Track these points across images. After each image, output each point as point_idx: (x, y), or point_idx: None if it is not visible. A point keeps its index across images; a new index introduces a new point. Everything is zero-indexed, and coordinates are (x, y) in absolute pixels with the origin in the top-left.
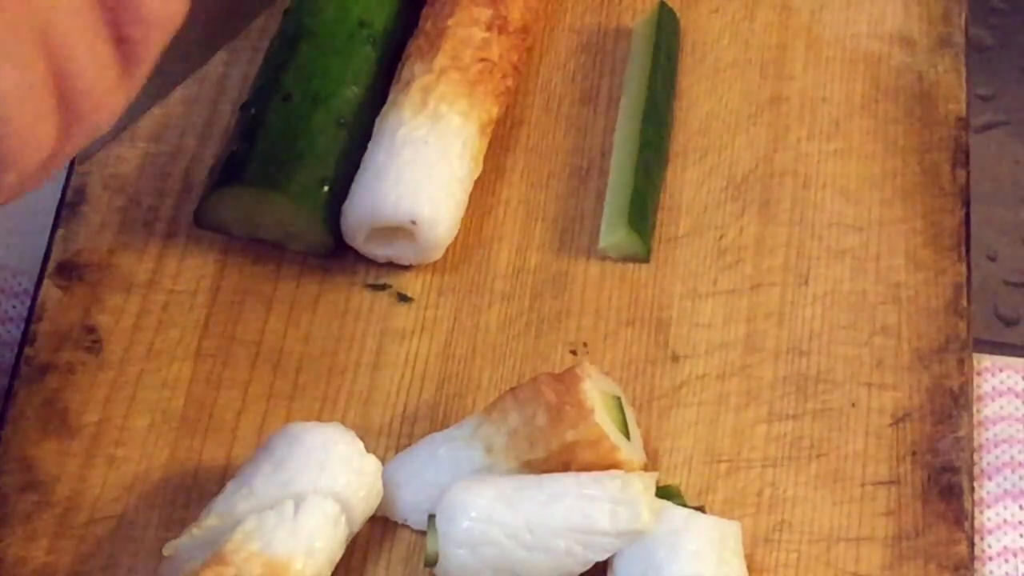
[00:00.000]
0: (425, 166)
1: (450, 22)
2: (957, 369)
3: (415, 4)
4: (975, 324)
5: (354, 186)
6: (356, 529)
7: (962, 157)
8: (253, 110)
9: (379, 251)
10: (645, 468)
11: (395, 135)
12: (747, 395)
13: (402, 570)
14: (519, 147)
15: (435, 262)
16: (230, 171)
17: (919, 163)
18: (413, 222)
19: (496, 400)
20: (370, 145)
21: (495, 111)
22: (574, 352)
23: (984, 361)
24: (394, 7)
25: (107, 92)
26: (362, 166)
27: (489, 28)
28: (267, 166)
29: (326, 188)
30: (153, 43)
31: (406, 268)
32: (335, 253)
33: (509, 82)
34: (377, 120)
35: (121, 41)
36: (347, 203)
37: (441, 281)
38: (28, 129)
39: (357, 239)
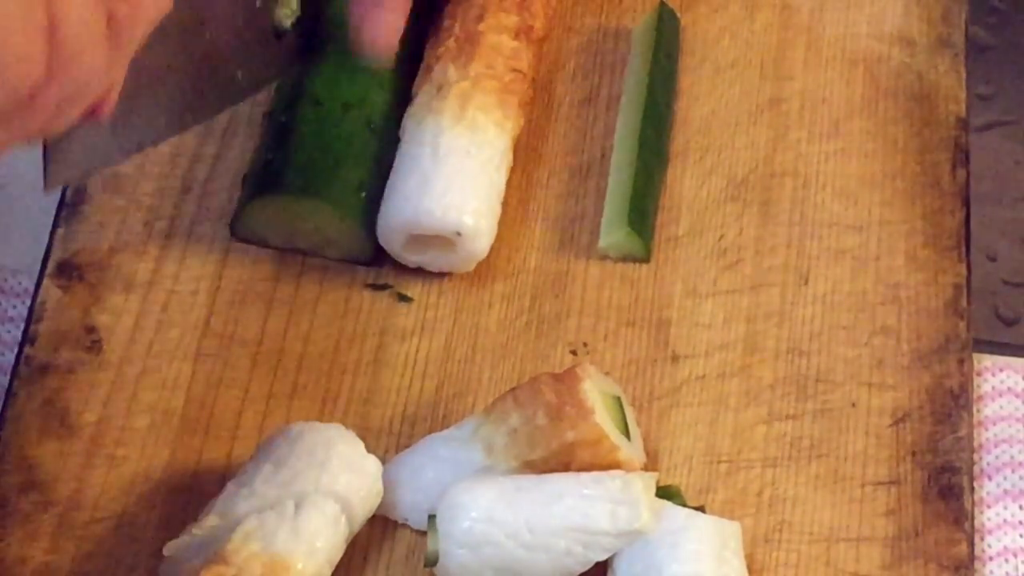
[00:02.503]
0: (470, 177)
1: (481, 27)
2: (957, 369)
3: (430, 5)
4: (975, 324)
5: (393, 191)
6: (356, 529)
7: (962, 157)
8: (283, 118)
9: (413, 257)
10: (645, 468)
11: (438, 142)
12: (747, 395)
13: (402, 570)
14: (519, 147)
15: None
16: (267, 180)
17: (919, 163)
18: (458, 233)
19: (496, 400)
20: (406, 149)
21: (521, 122)
22: (574, 352)
23: (984, 361)
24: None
25: (94, 50)
26: (403, 171)
27: (517, 36)
28: (304, 174)
29: (363, 194)
30: (139, 25)
31: (406, 268)
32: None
33: (531, 93)
34: (408, 122)
35: (110, 18)
36: (386, 208)
37: (441, 281)
38: (18, 45)
39: (394, 245)
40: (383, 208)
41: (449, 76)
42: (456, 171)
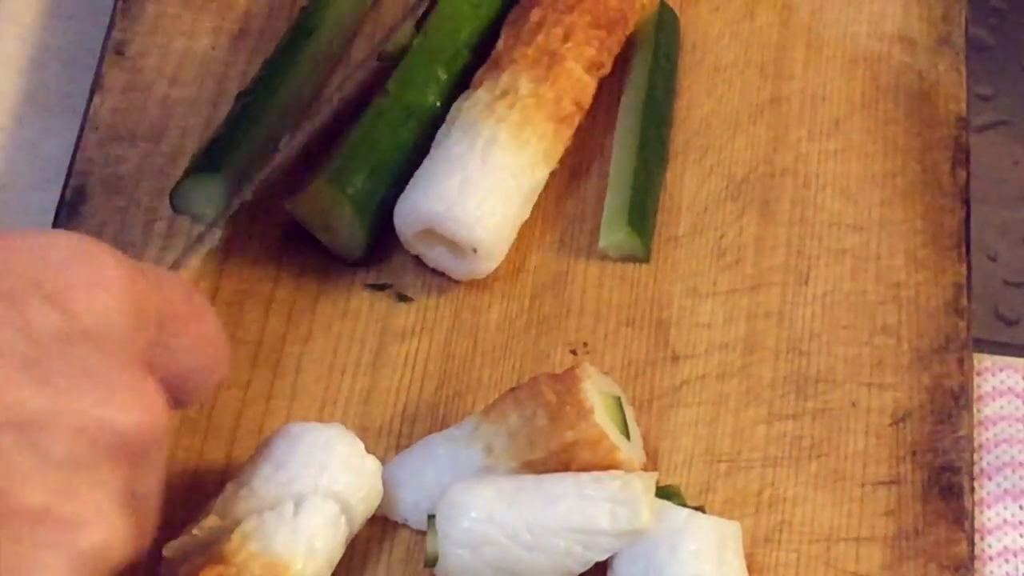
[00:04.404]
0: (507, 198)
1: (564, 49)
2: (957, 369)
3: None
4: (975, 324)
5: (428, 181)
6: (356, 529)
7: (962, 157)
8: (248, 98)
9: (419, 247)
10: (645, 468)
11: (489, 152)
12: (747, 395)
13: (402, 570)
14: None
15: None
16: (207, 157)
17: (919, 163)
18: (474, 250)
19: (496, 400)
20: (454, 141)
21: (559, 159)
22: (574, 352)
23: (984, 361)
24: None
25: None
26: (444, 164)
27: (589, 70)
28: (336, 160)
29: (379, 193)
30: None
31: (406, 268)
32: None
33: (578, 128)
34: (462, 113)
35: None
36: (414, 194)
37: (441, 281)
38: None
39: (408, 231)
40: (411, 191)
41: (520, 87)
42: (498, 188)
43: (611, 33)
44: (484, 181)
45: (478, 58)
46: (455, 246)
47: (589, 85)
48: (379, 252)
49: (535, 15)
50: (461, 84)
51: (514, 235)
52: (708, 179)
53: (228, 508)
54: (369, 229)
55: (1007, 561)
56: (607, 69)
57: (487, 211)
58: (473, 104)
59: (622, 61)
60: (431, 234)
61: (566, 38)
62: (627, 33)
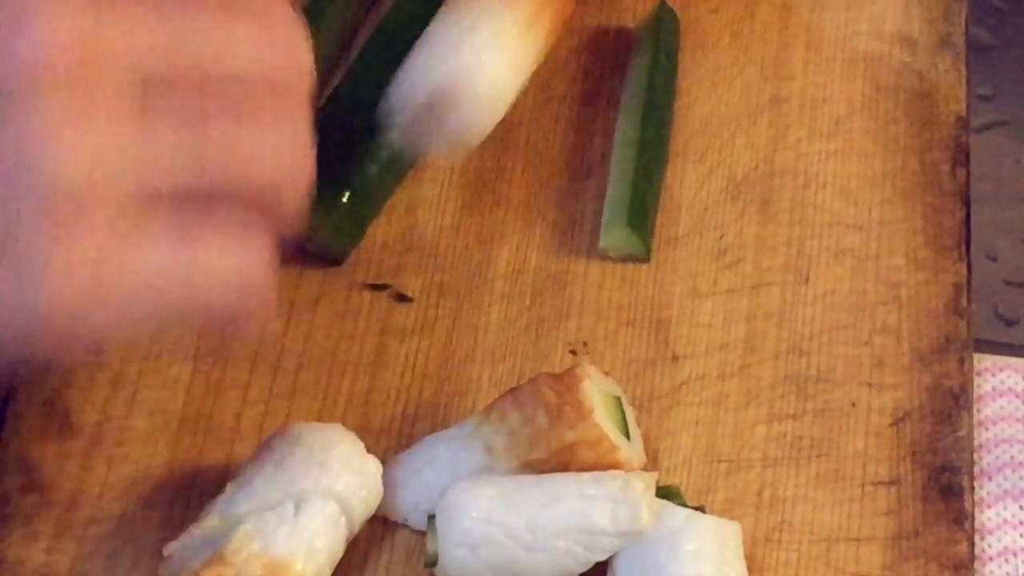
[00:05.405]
0: (491, 35)
1: None
2: (957, 369)
3: None
4: (975, 324)
5: (410, 55)
6: (356, 529)
7: (962, 157)
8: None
9: (417, 138)
10: (645, 468)
11: (471, 4)
12: (747, 395)
13: (402, 570)
14: (519, 147)
15: (435, 262)
16: None
17: (919, 163)
18: (467, 96)
19: (496, 400)
20: (439, 12)
21: (559, 27)
22: (574, 352)
23: (984, 361)
24: None
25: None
26: (427, 32)
27: None
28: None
29: (347, 196)
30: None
31: (406, 268)
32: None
33: (571, 7)
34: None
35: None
36: (402, 70)
37: (441, 281)
38: None
39: (399, 116)
40: (398, 71)
41: None
42: (490, 40)
43: None
44: (473, 38)
45: None
46: (449, 108)
47: None
48: (378, 252)
49: None
50: None
51: (518, 84)
52: (708, 179)
53: (228, 508)
54: (338, 215)
55: (1007, 561)
56: None
57: (467, 51)
58: None
59: (622, 61)
60: (419, 119)
61: None
62: None
